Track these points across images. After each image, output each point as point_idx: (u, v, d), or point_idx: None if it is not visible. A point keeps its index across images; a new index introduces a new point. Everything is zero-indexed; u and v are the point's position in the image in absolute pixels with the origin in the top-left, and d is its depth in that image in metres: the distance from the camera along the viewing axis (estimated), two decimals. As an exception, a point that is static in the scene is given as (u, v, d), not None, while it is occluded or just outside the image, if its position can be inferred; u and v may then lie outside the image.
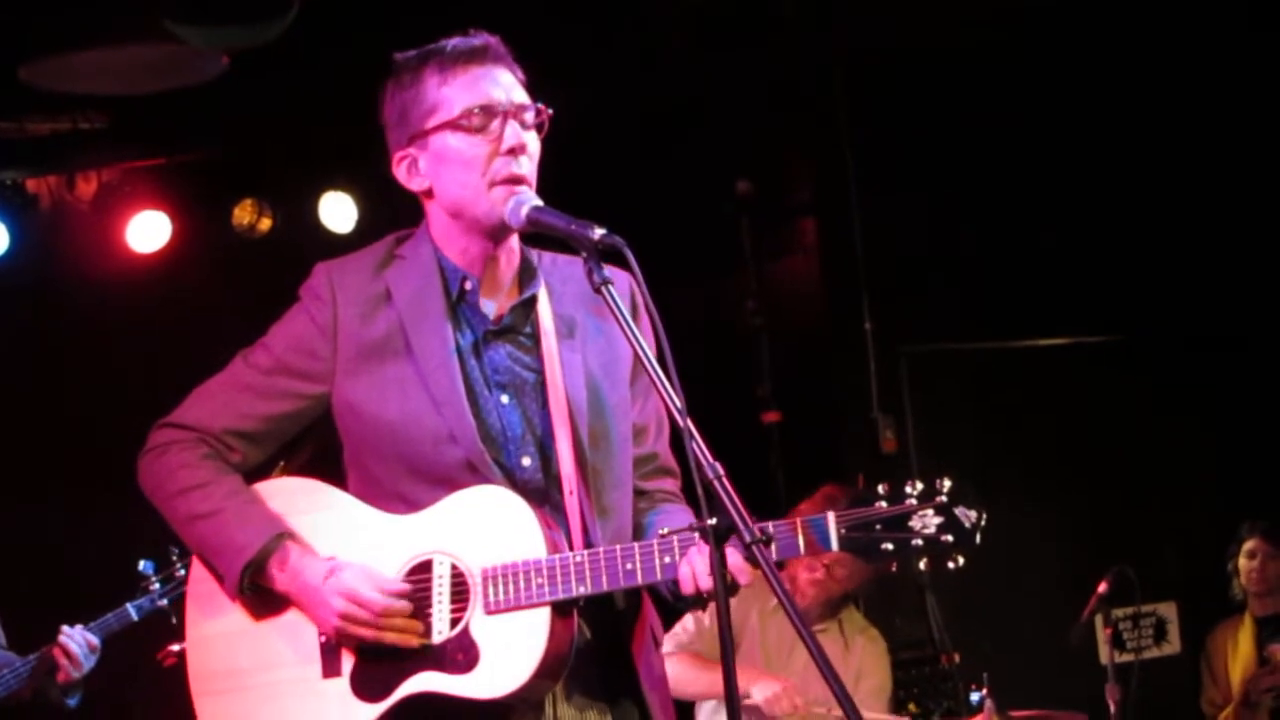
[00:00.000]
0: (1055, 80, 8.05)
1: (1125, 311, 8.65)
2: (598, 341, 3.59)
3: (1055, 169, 8.33)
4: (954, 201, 8.35)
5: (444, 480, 3.46)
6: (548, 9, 6.83)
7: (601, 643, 3.50)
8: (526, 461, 3.50)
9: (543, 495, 3.48)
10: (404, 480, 3.50)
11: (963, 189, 8.34)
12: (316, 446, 3.71)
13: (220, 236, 8.17)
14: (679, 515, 3.59)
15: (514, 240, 3.59)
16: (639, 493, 3.66)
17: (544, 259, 3.65)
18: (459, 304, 3.56)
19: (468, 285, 3.55)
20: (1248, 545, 7.87)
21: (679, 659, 6.27)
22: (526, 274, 3.61)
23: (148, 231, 8.05)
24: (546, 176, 3.58)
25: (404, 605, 3.42)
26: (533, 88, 3.58)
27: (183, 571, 6.40)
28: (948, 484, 3.35)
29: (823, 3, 7.24)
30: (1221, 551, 8.03)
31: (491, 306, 3.58)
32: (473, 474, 3.45)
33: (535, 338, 3.57)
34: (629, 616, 3.55)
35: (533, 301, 3.59)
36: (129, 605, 6.33)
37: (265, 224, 8.25)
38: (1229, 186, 8.36)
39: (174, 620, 6.37)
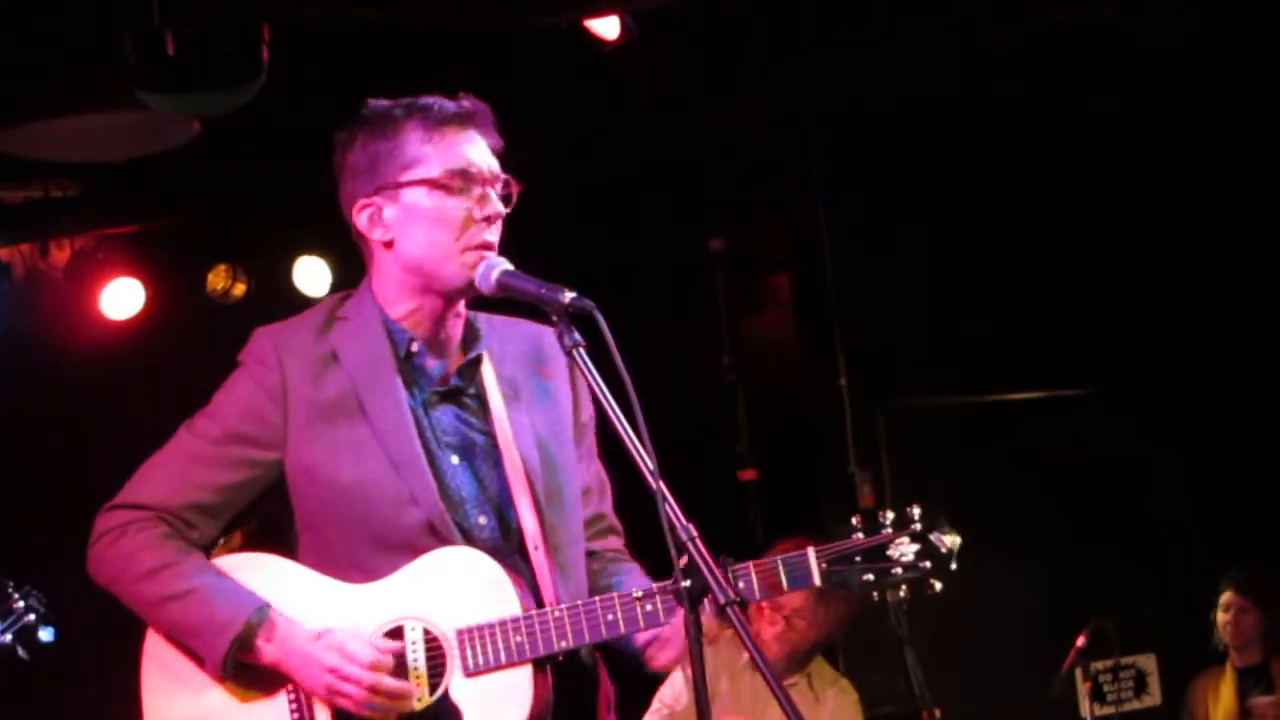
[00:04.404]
0: (1028, 136, 8.09)
1: (1098, 364, 8.66)
2: (543, 403, 3.60)
3: (1028, 224, 8.36)
4: (927, 255, 8.37)
5: (401, 544, 3.43)
6: (521, 65, 6.86)
7: (568, 705, 3.48)
8: (483, 521, 3.49)
9: (502, 554, 3.46)
10: (359, 547, 3.46)
11: (936, 243, 8.36)
12: (257, 522, 3.64)
13: (194, 303, 8.16)
14: (639, 577, 3.61)
15: (462, 303, 3.59)
16: (590, 553, 3.66)
17: (481, 320, 3.64)
18: (405, 364, 3.54)
19: (414, 347, 3.53)
20: (1222, 598, 7.86)
21: None
22: (470, 335, 3.61)
23: (121, 299, 8.04)
24: (522, 234, 3.59)
25: (390, 661, 3.39)
26: (506, 144, 3.60)
27: (21, 604, 6.33)
28: (918, 511, 3.44)
29: (794, 58, 7.27)
30: (1201, 602, 8.03)
31: (438, 367, 3.57)
32: (432, 536, 3.42)
33: (481, 399, 3.57)
34: (593, 679, 3.55)
35: (478, 362, 3.58)
36: None
37: (239, 289, 8.25)
38: (1199, 238, 8.39)
39: (20, 653, 6.30)
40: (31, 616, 6.37)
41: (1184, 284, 8.54)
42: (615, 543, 3.76)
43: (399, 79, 3.69)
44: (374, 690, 3.37)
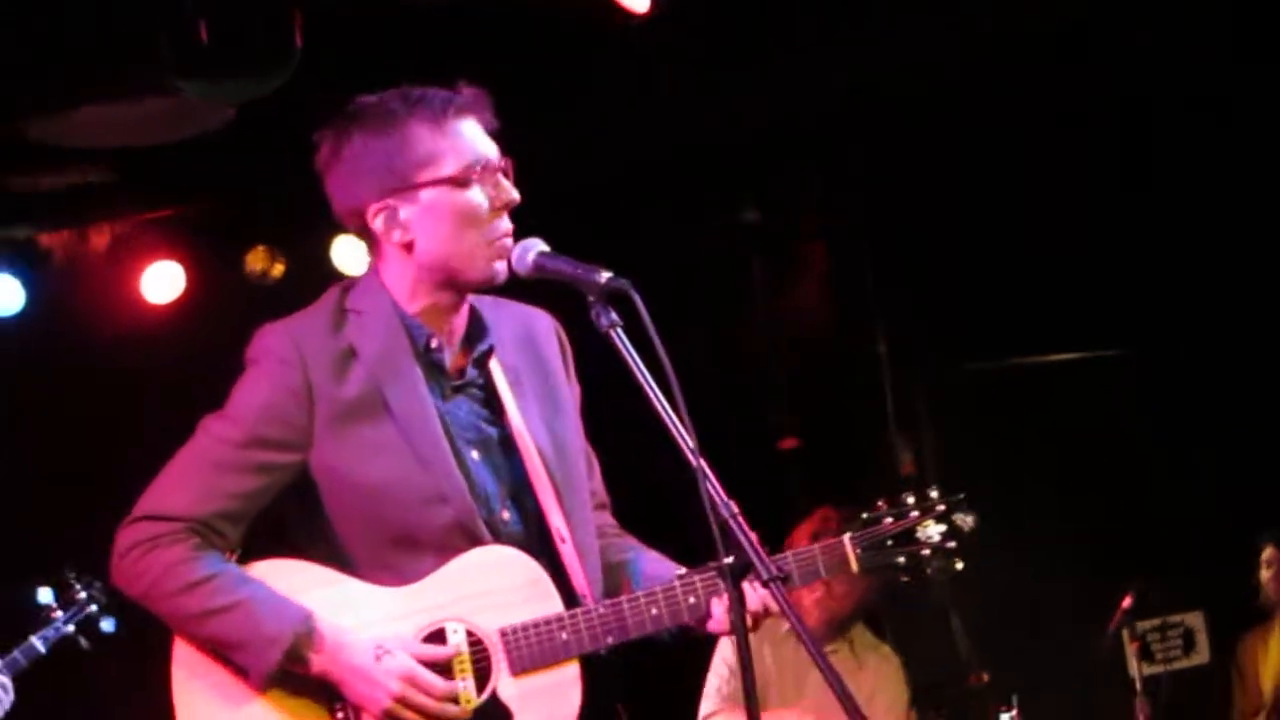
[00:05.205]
0: (1063, 101, 8.04)
1: (1138, 327, 8.61)
2: (542, 386, 3.57)
3: (1063, 187, 8.31)
4: (962, 220, 8.34)
5: (430, 543, 3.39)
6: (550, 43, 6.86)
7: (595, 699, 3.45)
8: (507, 516, 3.46)
9: (529, 550, 3.43)
10: (385, 547, 3.40)
11: (970, 207, 8.33)
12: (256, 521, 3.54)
13: (234, 284, 8.19)
14: (658, 561, 3.63)
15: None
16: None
17: (482, 305, 3.59)
18: (424, 359, 3.48)
19: (434, 343, 3.49)
20: (1265, 555, 7.85)
21: (728, 714, 6.28)
22: (476, 324, 3.56)
23: (162, 282, 8.08)
24: (559, 210, 3.58)
25: (454, 687, 3.37)
26: (532, 125, 3.58)
27: (83, 594, 6.34)
28: (934, 493, 3.55)
29: (829, 28, 7.25)
30: (1246, 559, 8.01)
31: (450, 359, 3.52)
32: (461, 534, 3.39)
33: (489, 390, 3.53)
34: (613, 672, 3.50)
35: (490, 353, 3.54)
36: (34, 638, 6.21)
37: (278, 270, 8.27)
38: (1239, 200, 8.34)
39: (83, 645, 6.33)
40: (94, 607, 6.39)
41: (1219, 245, 8.47)
42: (607, 516, 3.75)
43: (430, 63, 3.67)
44: None
